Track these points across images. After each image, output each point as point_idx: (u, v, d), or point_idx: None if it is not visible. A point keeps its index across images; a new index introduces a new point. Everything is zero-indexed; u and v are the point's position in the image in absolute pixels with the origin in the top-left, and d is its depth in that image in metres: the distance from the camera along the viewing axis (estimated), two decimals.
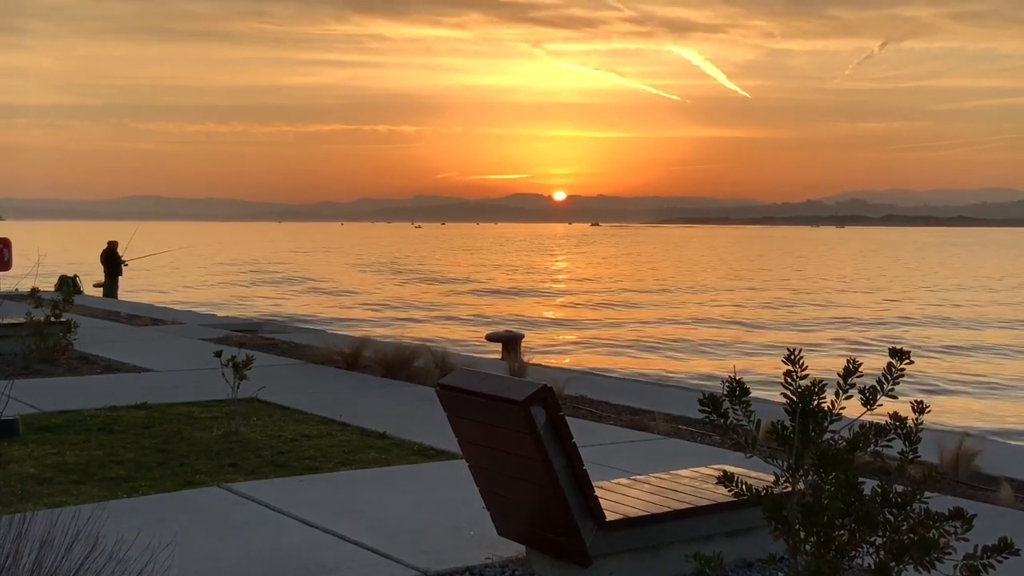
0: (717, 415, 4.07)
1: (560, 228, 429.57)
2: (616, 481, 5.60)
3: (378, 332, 22.18)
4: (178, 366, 12.82)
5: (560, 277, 65.14)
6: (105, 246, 29.52)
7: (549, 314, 38.46)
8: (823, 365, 4.12)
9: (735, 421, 4.12)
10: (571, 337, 30.44)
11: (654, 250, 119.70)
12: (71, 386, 11.05)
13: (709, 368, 23.26)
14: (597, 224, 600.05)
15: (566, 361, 22.20)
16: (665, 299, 44.68)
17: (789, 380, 4.03)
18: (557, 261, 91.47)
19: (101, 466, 7.32)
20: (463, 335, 28.83)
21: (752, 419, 4.10)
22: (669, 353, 26.57)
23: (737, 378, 4.21)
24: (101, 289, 29.33)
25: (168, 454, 7.77)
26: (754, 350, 27.08)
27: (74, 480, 6.89)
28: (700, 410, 4.09)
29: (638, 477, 5.75)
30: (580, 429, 7.86)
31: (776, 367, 4.14)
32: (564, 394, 10.65)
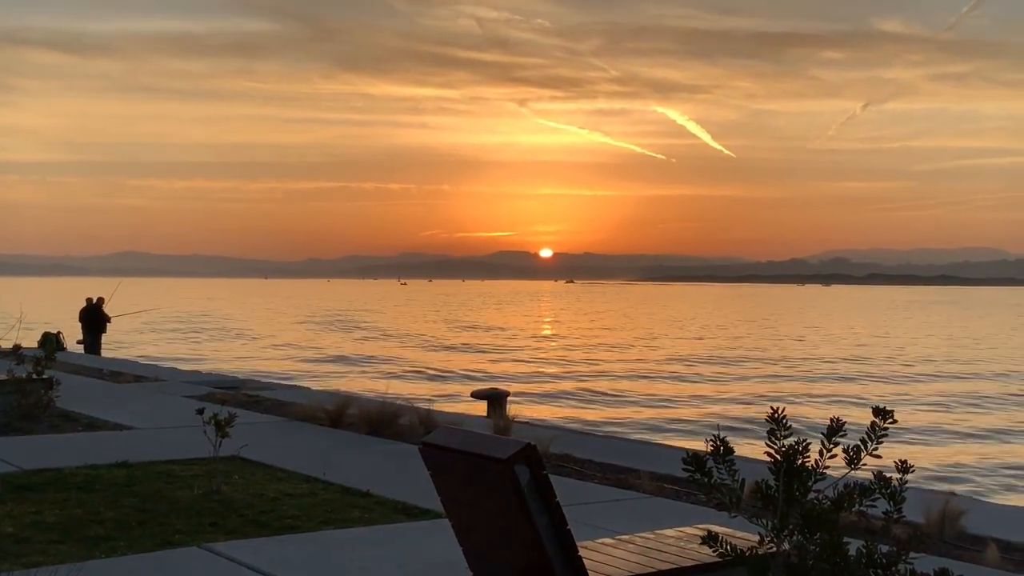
0: (701, 474, 4.05)
1: (547, 285, 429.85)
2: (601, 541, 5.54)
3: (363, 389, 22.11)
4: (160, 424, 12.70)
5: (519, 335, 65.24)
6: (84, 303, 29.30)
7: (531, 370, 38.44)
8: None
9: (719, 480, 4.10)
10: (555, 394, 30.36)
11: (637, 308, 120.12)
12: (51, 444, 10.93)
13: (698, 424, 23.21)
14: (572, 281, 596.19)
15: (551, 419, 22.10)
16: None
17: (773, 439, 4.02)
18: (525, 318, 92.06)
19: (80, 525, 7.21)
20: (448, 392, 28.74)
21: (736, 478, 4.07)
22: (658, 410, 26.48)
23: (721, 437, 4.19)
24: (82, 346, 29.04)
25: (148, 513, 7.67)
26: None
27: (52, 540, 6.78)
28: (684, 469, 4.06)
29: (623, 537, 5.68)
30: (565, 488, 7.80)
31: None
32: (549, 452, 10.57)
